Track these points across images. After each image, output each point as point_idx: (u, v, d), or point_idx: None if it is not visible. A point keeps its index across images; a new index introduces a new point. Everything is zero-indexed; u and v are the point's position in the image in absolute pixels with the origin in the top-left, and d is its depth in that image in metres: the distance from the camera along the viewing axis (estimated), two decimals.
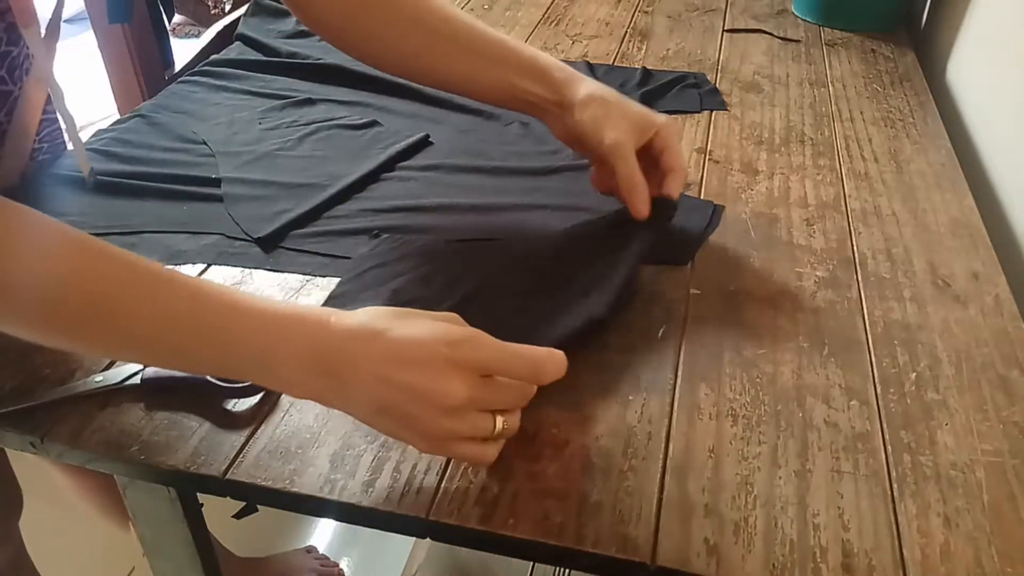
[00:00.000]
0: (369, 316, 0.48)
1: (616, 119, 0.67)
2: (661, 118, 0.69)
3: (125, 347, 0.48)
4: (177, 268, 0.67)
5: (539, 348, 0.49)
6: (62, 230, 0.46)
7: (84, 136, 0.85)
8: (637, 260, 0.66)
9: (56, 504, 1.03)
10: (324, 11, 0.71)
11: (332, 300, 0.64)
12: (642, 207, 0.66)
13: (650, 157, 0.68)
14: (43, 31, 0.72)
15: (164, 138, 0.86)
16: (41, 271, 0.45)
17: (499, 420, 0.48)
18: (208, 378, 0.55)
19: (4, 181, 0.74)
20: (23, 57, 0.72)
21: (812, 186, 0.82)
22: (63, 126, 0.74)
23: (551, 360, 0.48)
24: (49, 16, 0.73)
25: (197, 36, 2.70)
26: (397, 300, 0.64)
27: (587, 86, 0.69)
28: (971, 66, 1.06)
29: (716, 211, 0.77)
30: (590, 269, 0.66)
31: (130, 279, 0.46)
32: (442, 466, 0.51)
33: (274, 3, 1.16)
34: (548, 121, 0.73)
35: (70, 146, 0.78)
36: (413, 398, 0.46)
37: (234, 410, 0.55)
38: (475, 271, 0.67)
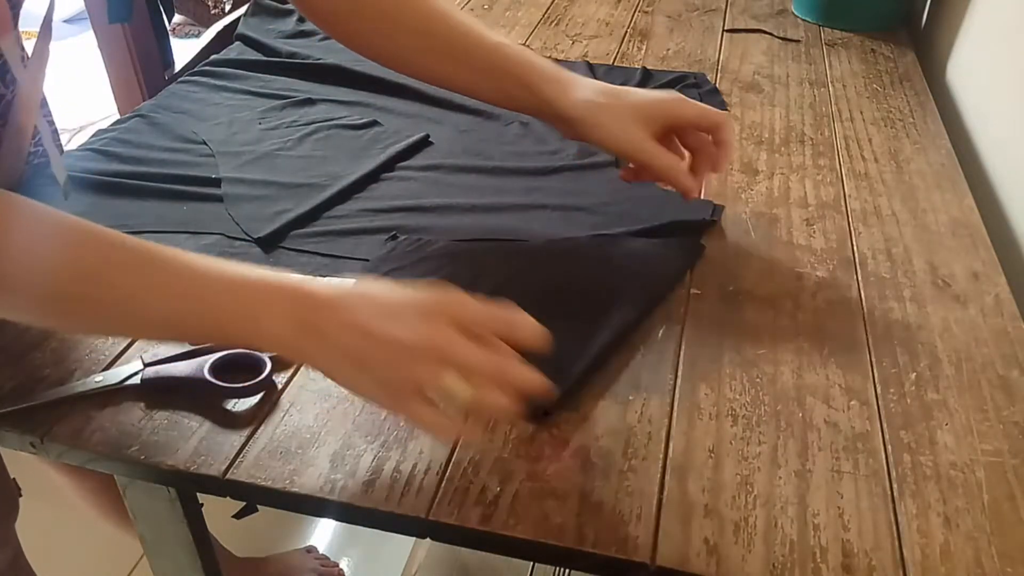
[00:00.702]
0: (350, 280, 0.51)
1: (621, 122, 0.65)
2: (667, 101, 0.66)
3: (119, 323, 0.50)
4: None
5: (516, 310, 0.50)
6: (52, 214, 0.47)
7: (84, 136, 0.85)
8: (668, 270, 0.67)
9: (55, 505, 1.03)
10: (326, 2, 0.70)
11: None
12: (692, 187, 0.66)
13: (669, 139, 0.68)
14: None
15: (164, 138, 0.86)
16: (32, 253, 0.45)
17: (466, 388, 0.47)
18: (208, 378, 0.55)
19: (1, 183, 0.74)
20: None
21: (812, 186, 0.82)
22: (45, 132, 0.74)
23: (525, 322, 0.50)
24: (60, 18, 0.73)
25: (197, 36, 2.69)
26: None
27: (578, 95, 0.67)
28: (971, 66, 1.06)
29: (716, 211, 0.77)
30: (615, 276, 0.67)
31: (121, 258, 0.48)
32: (442, 466, 0.51)
33: (274, 3, 1.16)
34: (554, 126, 0.71)
35: (55, 150, 0.77)
36: (386, 344, 0.47)
37: (234, 410, 0.55)
38: (495, 273, 0.67)
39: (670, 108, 0.66)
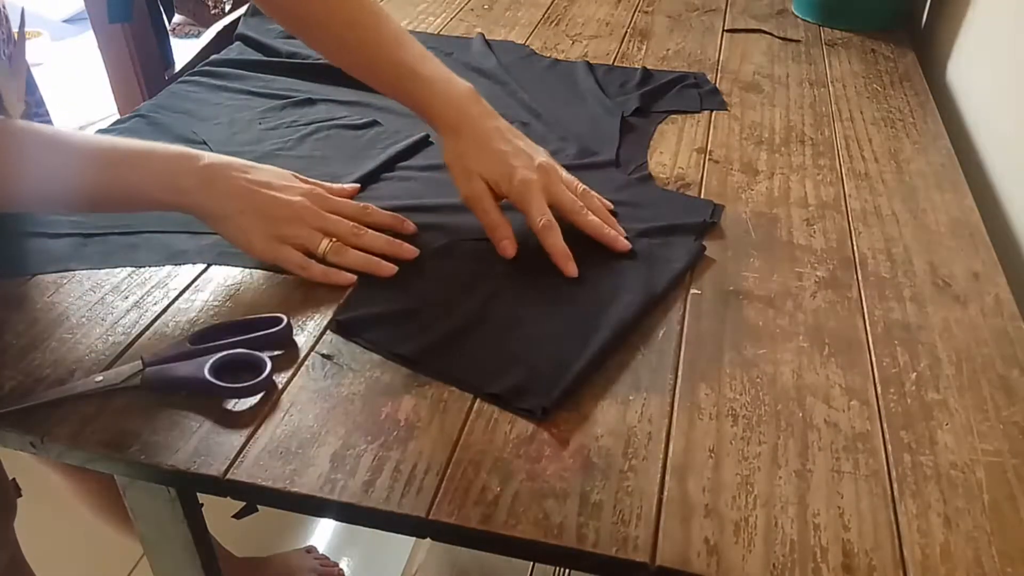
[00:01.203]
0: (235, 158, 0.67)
1: (470, 172, 0.70)
2: (517, 176, 0.68)
3: (53, 201, 0.63)
4: (178, 267, 0.68)
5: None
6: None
7: None
8: (670, 269, 0.67)
9: (55, 505, 1.03)
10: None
11: (349, 302, 0.64)
12: (508, 246, 0.68)
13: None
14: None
15: (164, 138, 0.86)
16: None
17: (326, 241, 0.65)
18: (208, 378, 0.55)
19: None
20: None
21: (812, 186, 0.82)
22: None
23: (375, 209, 0.71)
24: (60, 18, 0.75)
25: (197, 36, 2.69)
26: (420, 300, 0.64)
27: (450, 145, 0.71)
28: (971, 66, 1.06)
29: (716, 211, 0.77)
30: (615, 276, 0.67)
31: (47, 141, 0.60)
32: (442, 466, 0.51)
33: None
34: None
35: None
36: (267, 203, 0.64)
37: (234, 410, 0.55)
38: (493, 271, 0.67)
39: (511, 192, 0.69)
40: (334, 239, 0.66)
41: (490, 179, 0.69)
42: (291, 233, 0.65)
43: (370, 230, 0.68)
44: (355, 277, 0.65)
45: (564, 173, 0.72)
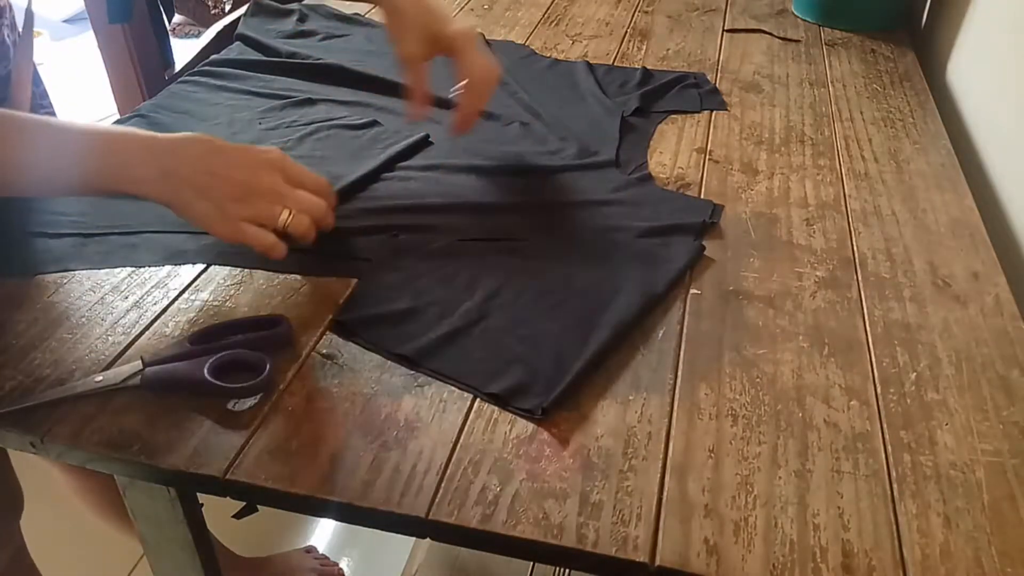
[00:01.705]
0: (191, 133, 0.65)
1: (410, 30, 0.75)
2: (456, 28, 0.75)
3: (12, 182, 0.61)
4: (178, 267, 0.68)
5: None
6: None
7: None
8: (669, 269, 0.68)
9: (55, 505, 1.03)
10: None
11: (353, 301, 0.64)
12: (415, 112, 0.77)
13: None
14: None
15: None
16: None
17: (286, 213, 0.64)
18: (208, 378, 0.55)
19: None
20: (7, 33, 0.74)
21: (812, 186, 0.82)
22: None
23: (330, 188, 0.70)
24: (60, 18, 0.76)
25: (197, 36, 2.70)
26: (420, 300, 0.64)
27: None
28: (971, 66, 1.06)
29: (716, 211, 0.77)
30: (615, 276, 0.67)
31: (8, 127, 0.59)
32: (442, 466, 0.51)
33: (274, 3, 1.16)
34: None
35: None
36: (227, 182, 0.63)
37: (234, 410, 0.55)
38: (495, 273, 0.67)
39: (451, 46, 0.75)
40: (293, 212, 0.65)
41: (427, 33, 0.75)
42: (249, 213, 0.64)
43: (321, 202, 0.67)
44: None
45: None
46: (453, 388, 0.57)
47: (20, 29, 0.78)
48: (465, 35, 0.75)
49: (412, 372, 0.58)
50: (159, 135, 0.64)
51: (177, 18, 2.78)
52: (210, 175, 0.63)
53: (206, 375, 0.55)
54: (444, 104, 0.91)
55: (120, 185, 0.62)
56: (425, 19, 0.75)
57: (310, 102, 0.94)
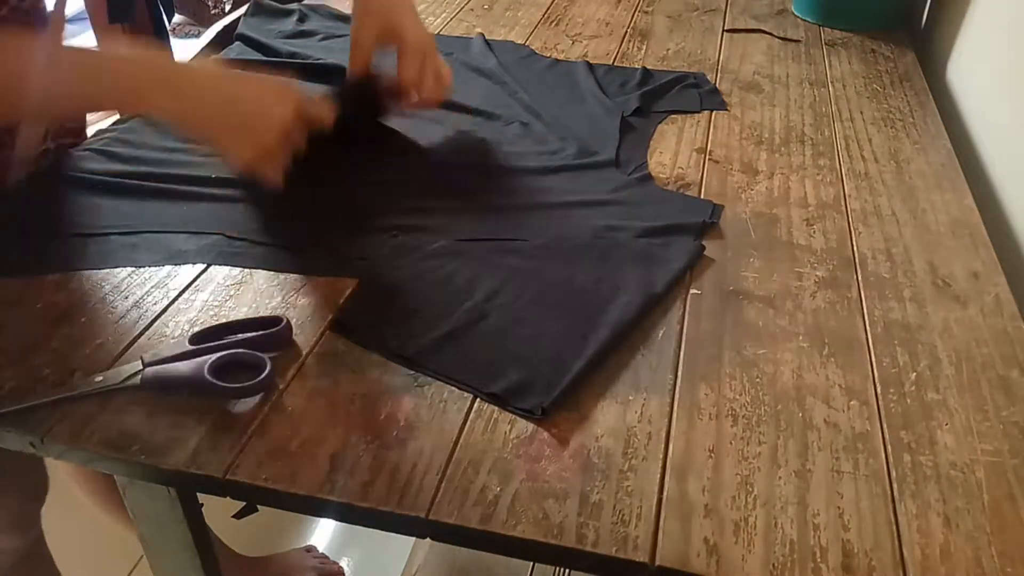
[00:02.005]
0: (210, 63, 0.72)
1: (369, 15, 0.79)
2: (411, 34, 0.79)
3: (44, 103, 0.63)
4: (178, 267, 0.68)
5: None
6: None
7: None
8: (669, 271, 0.68)
9: (56, 504, 1.03)
10: None
11: (353, 301, 0.64)
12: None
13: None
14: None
15: (164, 138, 0.86)
16: None
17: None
18: (208, 378, 0.55)
19: (18, 171, 0.76)
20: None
21: (812, 186, 0.82)
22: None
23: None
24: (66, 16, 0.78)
25: (197, 36, 2.69)
26: (420, 300, 0.64)
27: None
28: (971, 66, 1.06)
29: (716, 211, 0.77)
30: (615, 276, 0.67)
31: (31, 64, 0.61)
32: (442, 466, 0.51)
33: (274, 3, 1.16)
34: None
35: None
36: (255, 113, 0.67)
37: (234, 410, 0.55)
38: (495, 273, 0.67)
39: (401, 39, 0.79)
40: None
41: (383, 23, 0.79)
42: (276, 149, 0.68)
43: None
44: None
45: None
46: (453, 388, 0.57)
47: None
48: (420, 38, 0.80)
49: (412, 372, 0.58)
50: (176, 61, 0.70)
51: (177, 18, 2.78)
52: (232, 103, 0.68)
53: (206, 375, 0.55)
54: (443, 104, 0.91)
55: (138, 108, 0.71)
56: (387, 9, 0.79)
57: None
